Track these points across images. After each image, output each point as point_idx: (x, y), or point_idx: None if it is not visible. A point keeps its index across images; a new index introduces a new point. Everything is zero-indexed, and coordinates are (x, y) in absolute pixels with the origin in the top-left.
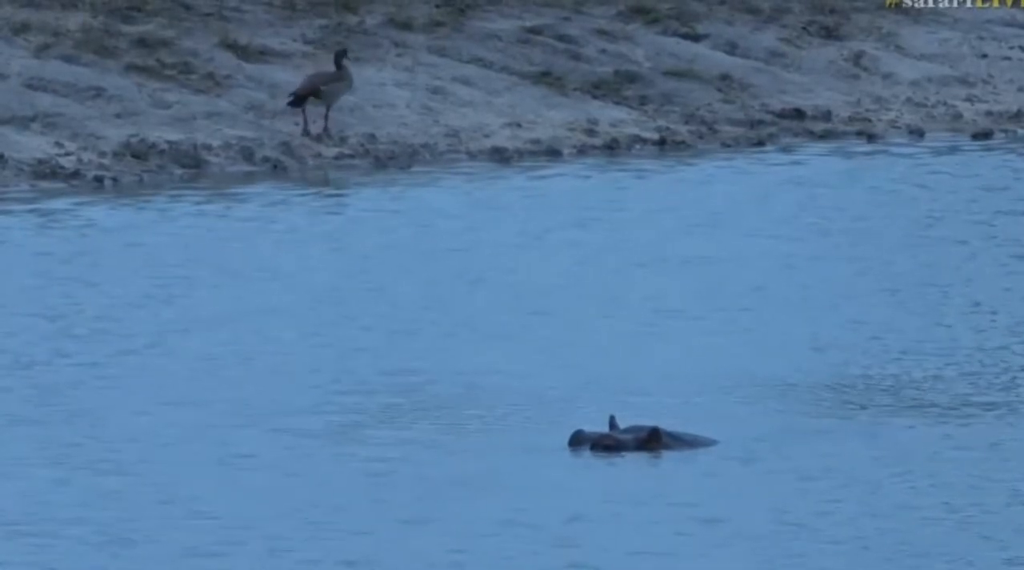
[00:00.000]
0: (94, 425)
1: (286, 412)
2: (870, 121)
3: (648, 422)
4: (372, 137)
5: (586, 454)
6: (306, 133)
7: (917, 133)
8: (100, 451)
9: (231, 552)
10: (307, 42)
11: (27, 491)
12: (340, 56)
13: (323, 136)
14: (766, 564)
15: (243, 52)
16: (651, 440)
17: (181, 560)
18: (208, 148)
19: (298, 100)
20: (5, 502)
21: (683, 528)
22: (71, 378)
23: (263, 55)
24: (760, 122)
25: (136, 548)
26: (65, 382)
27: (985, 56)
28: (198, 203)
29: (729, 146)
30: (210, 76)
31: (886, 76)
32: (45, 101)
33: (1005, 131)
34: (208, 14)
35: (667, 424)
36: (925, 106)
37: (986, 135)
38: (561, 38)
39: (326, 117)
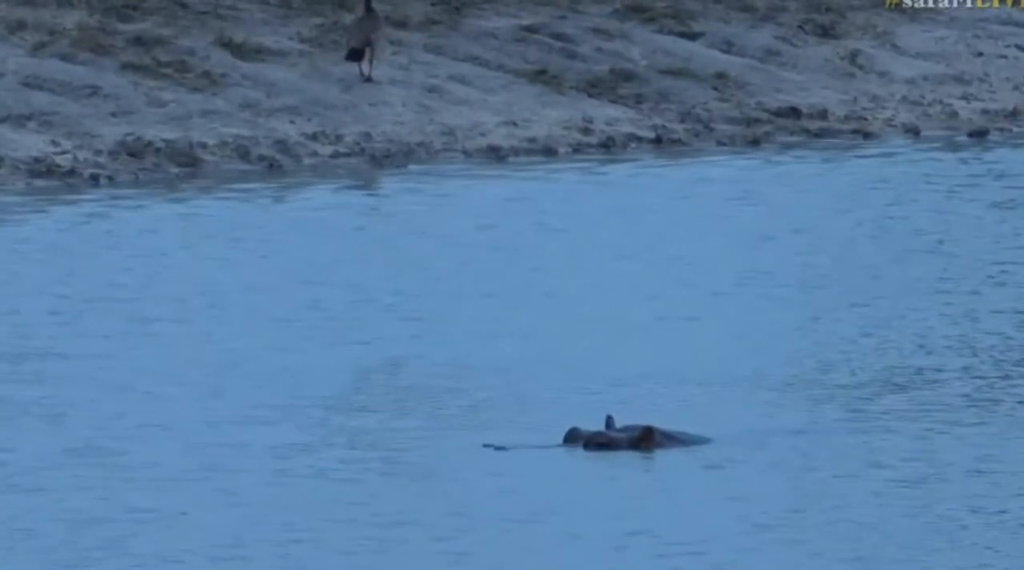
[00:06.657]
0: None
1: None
2: (866, 119)
3: (647, 421)
4: (368, 135)
5: (579, 452)
6: (368, 79)
7: (913, 132)
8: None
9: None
10: (303, 40)
11: None
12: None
13: (369, 80)
14: (758, 562)
15: (239, 50)
16: (644, 439)
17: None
18: (204, 146)
19: (357, 54)
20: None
21: (678, 524)
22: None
23: (259, 54)
24: (756, 120)
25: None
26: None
27: (981, 54)
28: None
29: (725, 144)
30: (206, 74)
31: (882, 74)
32: (41, 99)
33: (1001, 129)
34: (204, 12)
35: (665, 423)
36: (921, 104)
37: (982, 133)
38: (557, 36)
39: (371, 63)
